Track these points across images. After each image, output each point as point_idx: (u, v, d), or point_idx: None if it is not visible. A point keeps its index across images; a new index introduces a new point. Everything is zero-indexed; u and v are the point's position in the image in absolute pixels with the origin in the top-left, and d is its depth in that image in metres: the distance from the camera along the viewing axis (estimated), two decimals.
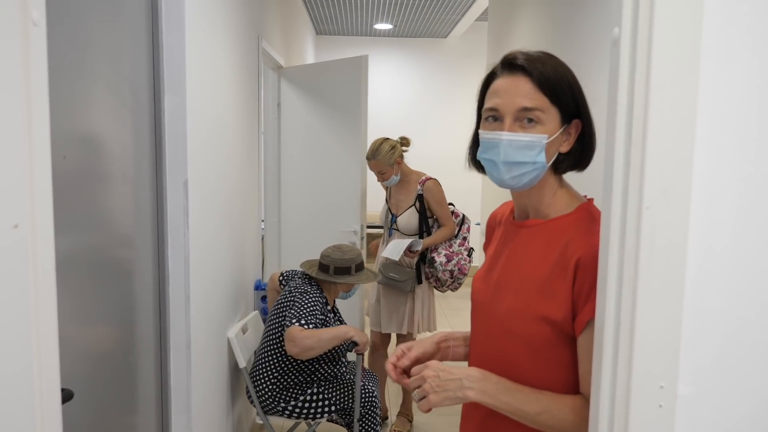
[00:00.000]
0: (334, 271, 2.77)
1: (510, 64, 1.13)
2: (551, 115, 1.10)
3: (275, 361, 2.68)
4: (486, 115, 1.15)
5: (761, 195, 0.81)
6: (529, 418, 1.09)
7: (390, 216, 3.43)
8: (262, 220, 4.29)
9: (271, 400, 2.69)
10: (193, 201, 2.00)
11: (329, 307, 2.80)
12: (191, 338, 2.02)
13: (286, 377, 2.69)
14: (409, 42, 7.59)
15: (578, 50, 2.91)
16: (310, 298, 2.66)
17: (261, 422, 3.06)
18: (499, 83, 1.13)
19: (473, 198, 7.40)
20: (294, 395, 2.70)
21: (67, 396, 1.16)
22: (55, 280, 0.87)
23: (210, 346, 2.33)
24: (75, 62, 1.42)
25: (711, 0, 0.78)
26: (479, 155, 1.17)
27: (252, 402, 2.74)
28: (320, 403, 2.72)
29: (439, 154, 7.69)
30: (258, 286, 3.28)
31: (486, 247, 1.39)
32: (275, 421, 2.79)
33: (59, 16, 1.35)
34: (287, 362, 2.68)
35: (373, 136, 4.04)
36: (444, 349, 1.32)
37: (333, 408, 2.74)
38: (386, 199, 3.51)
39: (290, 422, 3.13)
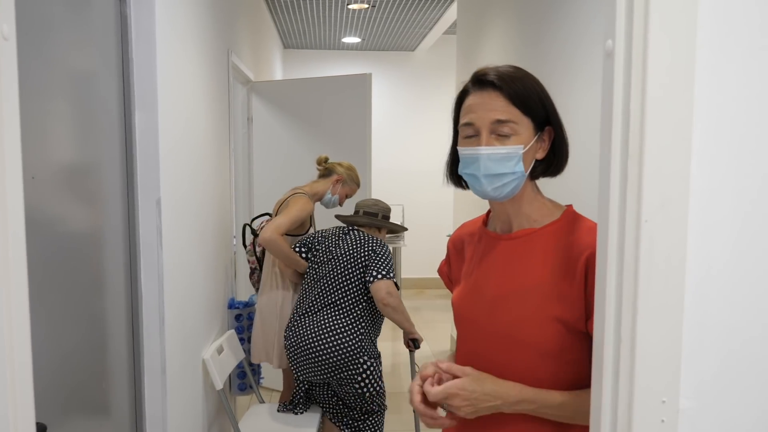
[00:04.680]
0: (382, 218, 2.82)
1: (480, 81, 1.17)
2: (524, 125, 1.14)
3: (360, 311, 2.64)
4: (463, 132, 1.19)
5: (759, 207, 0.81)
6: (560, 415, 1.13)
7: None
8: (234, 236, 4.21)
9: (355, 352, 2.58)
10: (165, 220, 1.94)
11: None
12: (166, 361, 1.95)
13: (373, 329, 2.70)
14: (376, 55, 7.61)
15: (547, 62, 2.93)
16: (386, 250, 2.69)
17: None
18: (472, 99, 1.18)
19: (445, 212, 7.41)
20: (375, 351, 2.68)
21: (40, 430, 1.10)
22: (28, 314, 0.82)
23: (186, 369, 2.26)
24: (43, 80, 1.37)
25: (705, 11, 0.78)
26: (461, 171, 1.20)
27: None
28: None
29: (409, 167, 7.66)
30: (231, 305, 3.21)
31: (450, 270, 1.38)
32: None
33: (26, 32, 1.30)
34: (371, 315, 2.68)
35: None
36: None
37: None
38: (312, 225, 3.19)
39: None
